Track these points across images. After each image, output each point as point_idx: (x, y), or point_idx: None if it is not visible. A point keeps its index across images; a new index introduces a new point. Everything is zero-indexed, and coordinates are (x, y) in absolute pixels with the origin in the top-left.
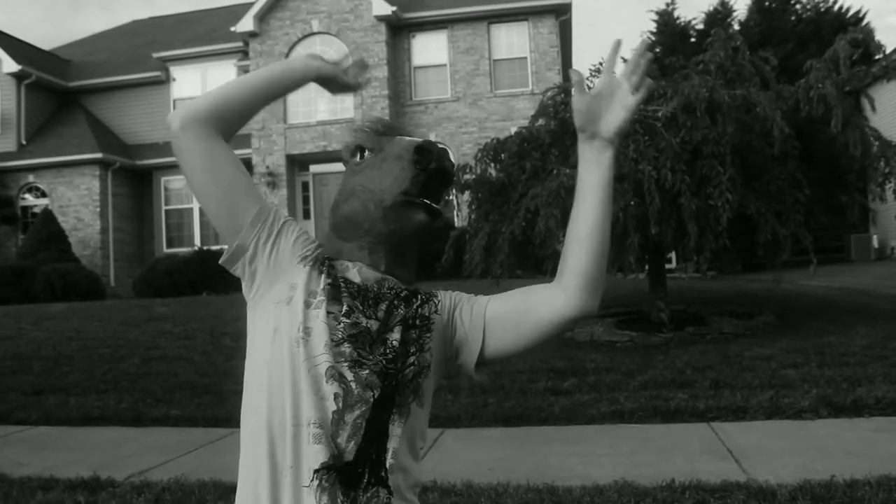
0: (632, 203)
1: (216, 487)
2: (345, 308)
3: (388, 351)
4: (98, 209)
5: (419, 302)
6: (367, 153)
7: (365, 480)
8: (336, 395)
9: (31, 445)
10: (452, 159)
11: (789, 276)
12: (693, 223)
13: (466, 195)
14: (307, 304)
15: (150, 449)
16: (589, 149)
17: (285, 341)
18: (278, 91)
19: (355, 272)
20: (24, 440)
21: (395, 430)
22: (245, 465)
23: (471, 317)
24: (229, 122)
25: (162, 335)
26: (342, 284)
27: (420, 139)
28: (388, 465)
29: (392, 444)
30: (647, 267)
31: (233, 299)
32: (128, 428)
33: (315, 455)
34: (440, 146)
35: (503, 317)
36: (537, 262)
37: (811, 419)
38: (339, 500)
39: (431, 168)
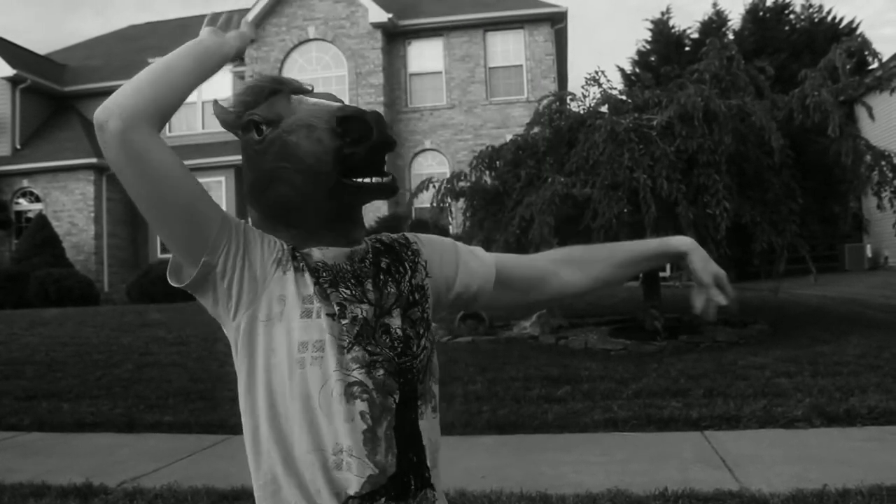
0: (625, 211)
1: (209, 494)
2: (335, 306)
3: (395, 343)
4: (92, 214)
5: (408, 270)
6: (264, 128)
7: (413, 487)
8: (363, 413)
9: (23, 451)
10: (378, 116)
11: (784, 285)
12: (692, 232)
13: (461, 203)
14: (306, 314)
15: (143, 455)
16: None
17: (287, 364)
18: (202, 80)
19: (320, 253)
20: (16, 446)
21: (425, 423)
22: (264, 490)
23: (478, 278)
24: (166, 109)
25: (155, 341)
26: (323, 274)
27: (333, 107)
28: (428, 464)
29: (426, 440)
30: (641, 275)
31: None
32: (121, 434)
33: (350, 483)
34: (362, 110)
35: (513, 282)
36: None
37: (804, 428)
38: None
39: (374, 141)
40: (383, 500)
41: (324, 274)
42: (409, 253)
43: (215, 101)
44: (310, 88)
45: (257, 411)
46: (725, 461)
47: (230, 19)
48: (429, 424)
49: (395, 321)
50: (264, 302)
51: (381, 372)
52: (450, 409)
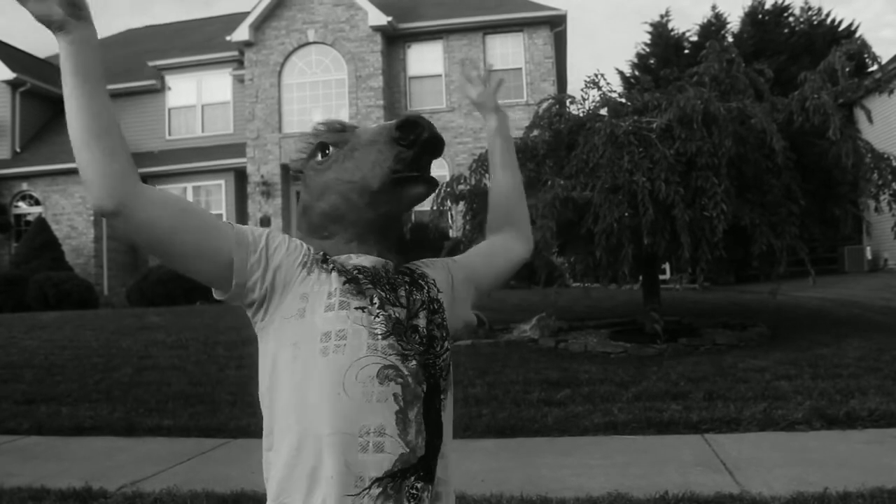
0: (626, 214)
1: (209, 498)
2: (375, 300)
3: (422, 339)
4: (92, 218)
5: (427, 286)
6: (329, 150)
7: (436, 471)
8: (395, 395)
9: (21, 455)
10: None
11: (783, 287)
12: (686, 234)
13: (461, 206)
14: (330, 308)
15: (142, 459)
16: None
17: (313, 354)
18: (84, 79)
19: (357, 259)
20: (14, 450)
21: (446, 416)
22: (284, 481)
23: (464, 283)
24: (115, 161)
25: (155, 344)
26: (359, 275)
27: (397, 119)
28: (444, 452)
29: (446, 431)
30: (640, 278)
31: (226, 309)
32: (120, 438)
33: (377, 464)
34: (418, 116)
35: (481, 271)
36: (531, 272)
37: (804, 431)
38: None
39: (423, 139)
40: (412, 479)
41: (361, 276)
42: (418, 274)
43: (291, 160)
44: None
45: (280, 404)
46: (726, 464)
47: None
48: (448, 417)
49: (422, 322)
50: (289, 301)
51: (413, 363)
52: None
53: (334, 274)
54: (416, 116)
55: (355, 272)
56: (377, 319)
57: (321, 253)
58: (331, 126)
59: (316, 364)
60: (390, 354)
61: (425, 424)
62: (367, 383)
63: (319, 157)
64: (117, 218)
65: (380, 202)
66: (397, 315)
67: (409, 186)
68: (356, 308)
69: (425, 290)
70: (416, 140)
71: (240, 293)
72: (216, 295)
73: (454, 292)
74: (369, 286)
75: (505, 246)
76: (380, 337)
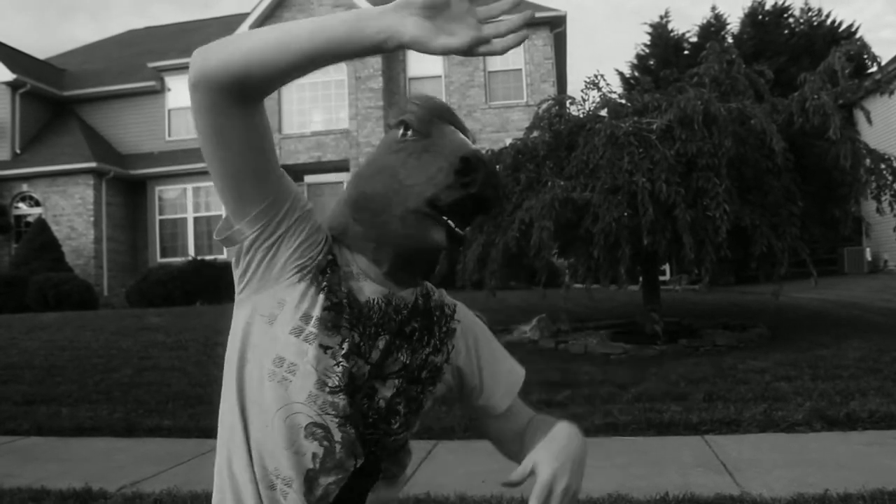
0: (625, 214)
1: (209, 499)
2: (345, 346)
3: (377, 410)
4: (92, 218)
5: (430, 349)
6: (410, 133)
7: None
8: (314, 455)
9: (22, 456)
10: (499, 182)
11: (783, 288)
12: (688, 235)
13: None
14: (296, 333)
15: (142, 460)
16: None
17: (258, 370)
18: (327, 62)
19: (361, 285)
20: (14, 451)
21: (373, 496)
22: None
23: (494, 388)
24: (256, 90)
25: (155, 345)
26: (345, 305)
27: (470, 148)
28: None
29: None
30: (640, 279)
31: (227, 309)
32: (120, 439)
33: None
34: (490, 167)
35: (472, 383)
36: (531, 274)
37: (805, 432)
38: None
39: (471, 191)
40: None
41: (347, 308)
42: (444, 329)
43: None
44: (472, 136)
45: (231, 393)
46: (726, 465)
47: None
48: (377, 497)
49: (387, 392)
50: (266, 298)
51: (353, 432)
52: (450, 414)
53: (321, 296)
54: (479, 160)
55: (344, 300)
56: (336, 368)
57: (330, 256)
58: (425, 107)
59: (263, 380)
60: (328, 413)
61: (339, 496)
62: (293, 430)
63: (400, 134)
64: (218, 94)
65: (406, 223)
66: (358, 369)
67: (432, 227)
68: (321, 345)
69: (424, 352)
70: (471, 182)
71: (234, 240)
72: (220, 230)
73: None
74: (346, 326)
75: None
76: (327, 390)
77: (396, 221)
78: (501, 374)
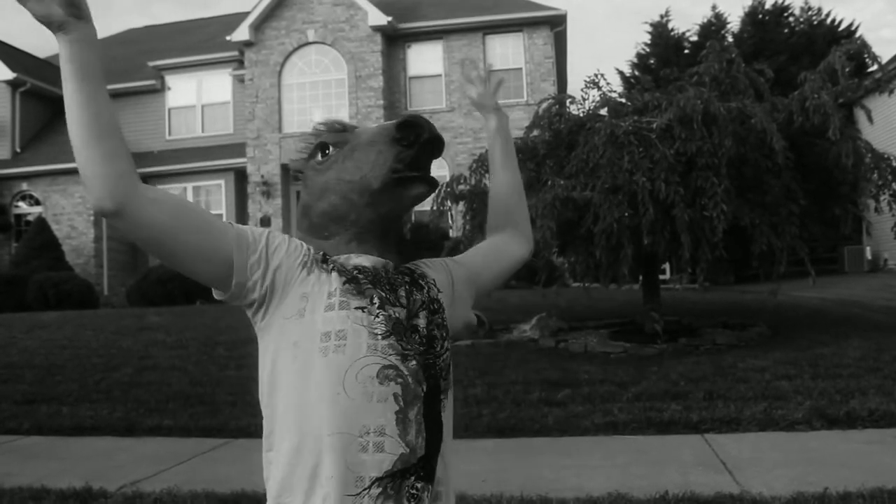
0: (626, 214)
1: (209, 499)
2: (375, 300)
3: (422, 339)
4: (92, 218)
5: (427, 286)
6: (329, 150)
7: (436, 471)
8: (395, 395)
9: (22, 455)
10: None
11: (783, 287)
12: (686, 234)
13: (461, 206)
14: (329, 308)
15: (142, 459)
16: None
17: (313, 354)
18: (85, 80)
19: (357, 259)
20: (15, 450)
21: (446, 415)
22: (285, 480)
23: (464, 283)
24: (116, 152)
25: (155, 344)
26: (359, 275)
27: (393, 121)
28: (443, 452)
29: (446, 430)
30: (640, 278)
31: (227, 309)
32: (120, 438)
33: (377, 464)
34: (417, 116)
35: (481, 271)
36: (531, 273)
37: (805, 431)
38: None
39: (424, 139)
40: (412, 479)
41: (361, 276)
42: (418, 274)
43: (291, 160)
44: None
45: (280, 404)
46: (726, 464)
47: None
48: (448, 417)
49: (422, 322)
50: (289, 301)
51: (414, 363)
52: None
53: (334, 274)
54: (416, 116)
55: (355, 272)
56: (377, 319)
57: (321, 253)
58: (331, 126)
59: (315, 364)
60: (390, 354)
61: (425, 425)
62: (367, 383)
63: (320, 157)
64: (117, 218)
65: (380, 202)
66: (397, 315)
67: (410, 186)
68: (356, 308)
69: (425, 290)
70: (416, 140)
71: (240, 293)
72: (216, 295)
73: (454, 292)
74: (369, 286)
75: (505, 246)
76: (380, 337)
77: (368, 210)
78: (479, 251)
